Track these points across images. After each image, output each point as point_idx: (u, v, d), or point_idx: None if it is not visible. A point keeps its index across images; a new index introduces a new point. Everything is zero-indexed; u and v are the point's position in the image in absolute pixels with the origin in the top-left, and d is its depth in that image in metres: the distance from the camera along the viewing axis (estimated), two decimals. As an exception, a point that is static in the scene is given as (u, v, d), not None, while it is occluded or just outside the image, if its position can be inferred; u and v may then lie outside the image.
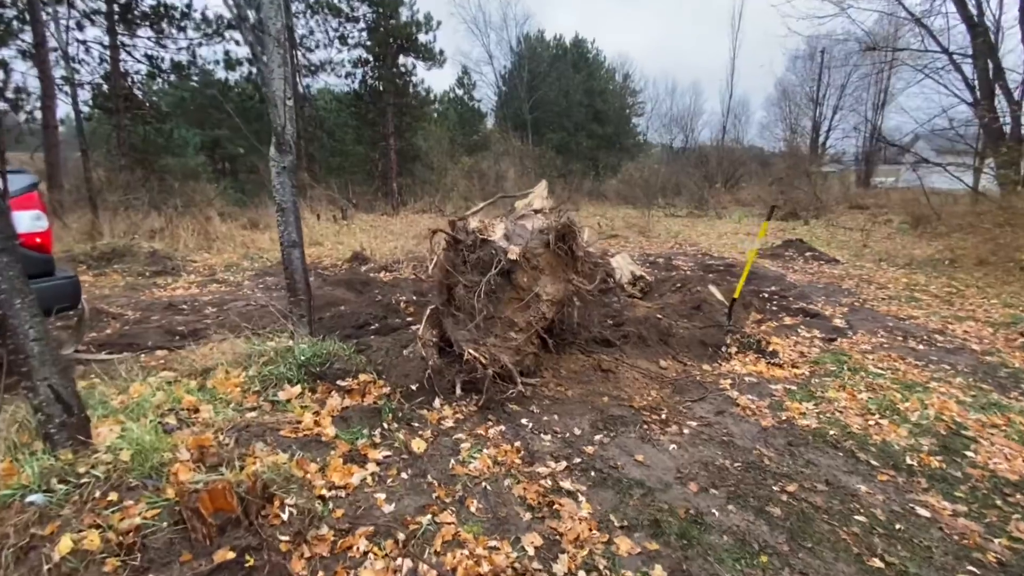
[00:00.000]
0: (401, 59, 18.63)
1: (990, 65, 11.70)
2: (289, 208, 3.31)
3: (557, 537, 2.09)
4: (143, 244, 8.29)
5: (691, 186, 20.81)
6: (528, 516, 2.22)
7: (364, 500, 2.20)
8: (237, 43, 15.70)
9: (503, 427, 2.91)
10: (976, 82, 12.21)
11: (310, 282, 3.57)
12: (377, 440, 2.61)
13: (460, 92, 24.56)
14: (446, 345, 3.51)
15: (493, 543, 2.03)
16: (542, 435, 2.88)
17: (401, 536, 2.01)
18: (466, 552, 1.96)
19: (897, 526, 2.23)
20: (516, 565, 1.92)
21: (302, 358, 3.01)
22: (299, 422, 2.60)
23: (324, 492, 2.18)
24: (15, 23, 11.65)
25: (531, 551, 2.00)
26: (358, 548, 1.94)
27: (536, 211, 4.01)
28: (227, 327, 4.54)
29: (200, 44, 14.62)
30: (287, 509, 2.00)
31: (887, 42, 16.52)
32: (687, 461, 2.68)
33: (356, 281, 5.74)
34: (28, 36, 11.36)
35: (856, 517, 2.28)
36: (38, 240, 3.19)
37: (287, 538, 1.89)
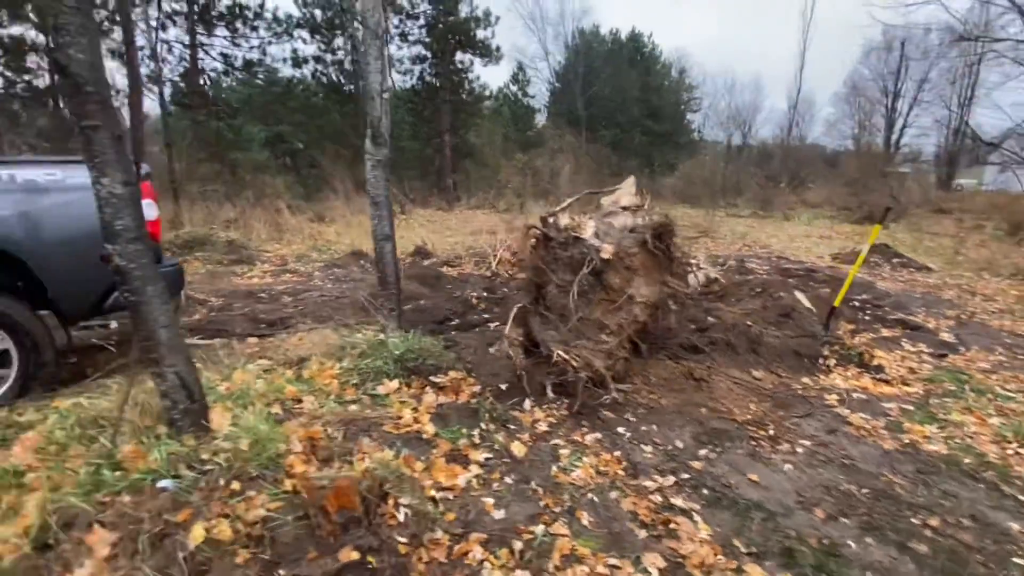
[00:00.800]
0: (459, 56, 18.76)
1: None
2: (383, 202, 3.31)
3: (680, 560, 1.94)
4: (220, 233, 8.69)
5: (753, 186, 19.92)
6: (643, 534, 2.08)
7: (472, 504, 2.13)
8: (304, 41, 16.25)
9: (599, 434, 2.79)
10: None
11: (400, 276, 3.57)
12: (476, 440, 2.54)
13: (515, 88, 24.51)
14: (532, 345, 3.42)
15: (613, 561, 1.91)
16: (642, 446, 2.73)
17: (517, 546, 1.93)
18: (586, 569, 1.86)
19: (1009, 547, 1.96)
20: (644, 589, 1.80)
21: (396, 352, 2.99)
22: (399, 418, 2.57)
23: (433, 493, 2.13)
24: (106, 23, 12.49)
25: (655, 573, 1.87)
26: (474, 556, 1.87)
27: (624, 208, 3.84)
28: (309, 317, 4.65)
29: (270, 43, 15.23)
30: (402, 509, 1.95)
31: (981, 31, 15.14)
32: (807, 484, 2.47)
33: (427, 276, 5.76)
34: (118, 35, 12.14)
35: (1015, 559, 2.02)
36: (150, 229, 3.31)
37: (405, 540, 1.85)
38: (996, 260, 8.47)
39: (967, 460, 2.71)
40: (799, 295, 5.43)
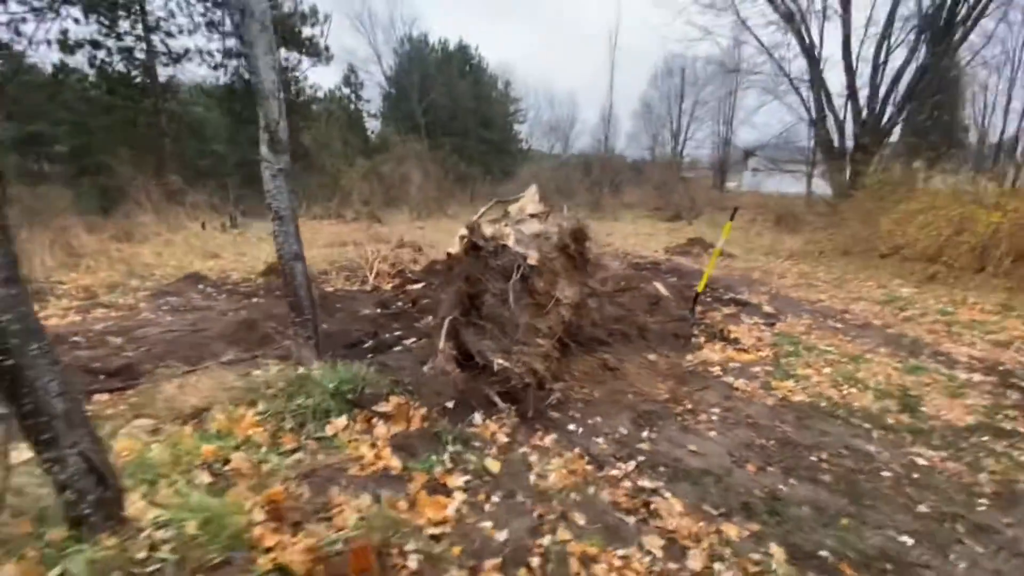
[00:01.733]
0: (284, 53, 17.12)
1: (823, 91, 14.22)
2: (288, 216, 2.90)
3: (673, 536, 2.12)
4: (-18, 264, 6.55)
5: (582, 191, 22.14)
6: (632, 520, 2.22)
7: (472, 531, 2.02)
8: (76, 21, 13.14)
9: (554, 435, 2.86)
10: (812, 104, 14.77)
11: (315, 299, 3.15)
12: (449, 466, 2.40)
13: (347, 91, 23.28)
14: (465, 357, 3.34)
15: (621, 552, 2.00)
16: (595, 439, 2.89)
17: (534, 562, 1.90)
18: (604, 566, 1.92)
19: (914, 475, 2.66)
20: (656, 569, 1.92)
21: (330, 385, 2.65)
22: (360, 458, 2.30)
23: (432, 531, 1.96)
24: None
25: (659, 554, 2.01)
26: (496, 584, 1.79)
27: (532, 215, 3.99)
28: (169, 359, 3.82)
29: (24, 20, 11.98)
30: (411, 557, 1.77)
31: (738, 66, 19.30)
32: (732, 445, 2.89)
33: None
34: None
35: (883, 473, 2.67)
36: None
37: (425, 589, 1.68)
38: (775, 246, 10.88)
39: (823, 404, 3.46)
40: (658, 285, 6.26)
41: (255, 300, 6.19)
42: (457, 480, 2.31)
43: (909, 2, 13.29)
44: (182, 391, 2.88)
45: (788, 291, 6.83)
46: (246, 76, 16.89)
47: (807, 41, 13.88)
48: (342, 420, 2.50)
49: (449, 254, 3.56)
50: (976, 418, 3.31)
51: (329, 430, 2.44)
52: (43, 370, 1.47)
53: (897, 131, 14.29)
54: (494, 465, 2.45)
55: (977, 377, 3.99)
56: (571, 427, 2.99)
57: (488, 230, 3.35)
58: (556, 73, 56.75)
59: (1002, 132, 19.51)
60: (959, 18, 11.91)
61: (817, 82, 14.26)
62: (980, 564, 2.05)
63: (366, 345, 3.84)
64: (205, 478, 2.02)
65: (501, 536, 2.02)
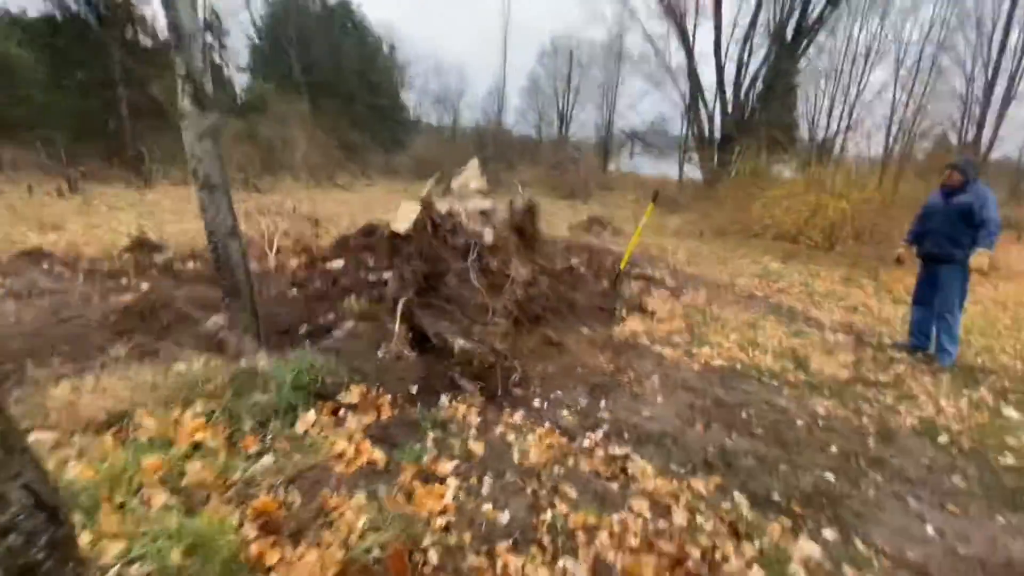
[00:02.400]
0: (128, -15, 14.30)
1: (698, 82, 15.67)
2: (219, 185, 2.48)
3: (654, 496, 2.29)
4: None
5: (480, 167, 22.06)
6: (615, 486, 2.35)
7: (475, 516, 1.99)
8: None
9: (522, 412, 2.89)
10: (687, 95, 16.23)
11: (253, 282, 2.73)
12: (435, 452, 2.31)
13: (208, 38, 20.15)
14: (419, 339, 3.20)
15: (617, 517, 2.12)
16: (560, 411, 2.98)
17: (545, 539, 1.93)
18: (606, 533, 2.01)
19: (819, 422, 3.16)
20: (652, 529, 2.07)
21: (288, 377, 2.37)
22: (341, 455, 2.11)
23: (439, 521, 1.89)
24: None
25: (649, 515, 2.17)
26: (514, 565, 1.79)
27: (478, 191, 3.89)
28: (34, 355, 3.12)
29: None
30: (429, 551, 1.69)
31: (621, 53, 20.48)
32: (677, 408, 3.18)
33: (205, 277, 4.46)
34: None
35: (798, 423, 3.14)
36: None
37: (454, 581, 1.63)
38: (661, 225, 11.91)
39: (738, 367, 3.94)
40: (575, 261, 6.54)
41: (125, 281, 5.24)
42: (446, 466, 2.23)
43: (770, 10, 15.11)
44: (81, 395, 2.37)
45: (683, 267, 7.57)
46: (73, 5, 13.87)
47: (685, 37, 15.13)
48: (311, 415, 2.26)
49: (395, 232, 3.34)
50: (849, 372, 4.02)
51: (299, 427, 2.19)
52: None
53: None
54: (478, 447, 2.41)
55: (841, 337, 4.84)
56: (536, 403, 3.04)
57: (443, 207, 3.20)
58: (443, 40, 54.94)
59: (826, 131, 23.27)
60: (805, 28, 13.86)
61: (692, 75, 15.67)
62: (882, 489, 2.53)
63: (301, 331, 3.47)
64: (163, 497, 1.71)
65: (504, 517, 2.02)
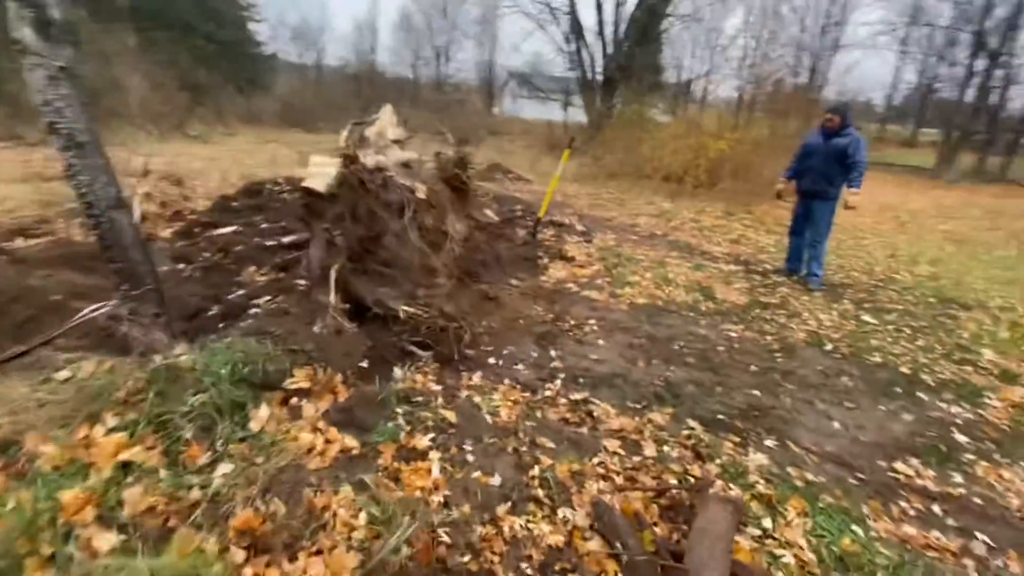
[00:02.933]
0: None
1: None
2: (89, 142, 1.95)
3: (622, 434, 2.43)
4: None
5: (355, 111, 20.31)
6: (586, 431, 2.45)
7: (468, 484, 1.94)
8: None
9: (480, 372, 2.85)
10: (569, 35, 16.23)
11: (155, 261, 2.23)
12: (408, 428, 2.19)
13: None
14: (357, 309, 2.95)
15: (596, 461, 2.22)
16: (515, 367, 2.98)
17: (538, 493, 1.96)
18: (593, 478, 2.10)
19: (735, 346, 3.56)
20: (631, 466, 2.21)
21: (223, 371, 2.04)
22: (311, 449, 1.90)
23: (436, 498, 1.81)
24: None
25: (623, 452, 2.30)
26: (518, 525, 1.81)
27: (395, 142, 3.55)
28: None
29: None
30: (438, 531, 1.63)
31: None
32: (619, 348, 3.36)
33: (74, 257, 3.57)
34: None
35: (719, 348, 3.50)
36: None
37: (471, 553, 1.60)
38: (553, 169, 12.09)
39: (659, 303, 4.24)
40: (488, 212, 6.43)
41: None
42: (423, 440, 2.13)
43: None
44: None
45: (587, 211, 7.83)
46: None
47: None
48: (263, 411, 1.98)
49: (310, 190, 2.95)
50: (747, 297, 4.55)
51: (254, 425, 1.91)
52: None
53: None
54: (450, 415, 2.33)
55: (733, 267, 5.43)
56: (491, 360, 3.00)
57: (370, 160, 2.87)
58: (295, -36, 47.99)
59: (689, 74, 24.94)
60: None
61: (573, 15, 15.65)
62: (796, 396, 2.95)
63: (211, 313, 2.98)
64: (109, 537, 1.41)
65: (495, 481, 2.00)
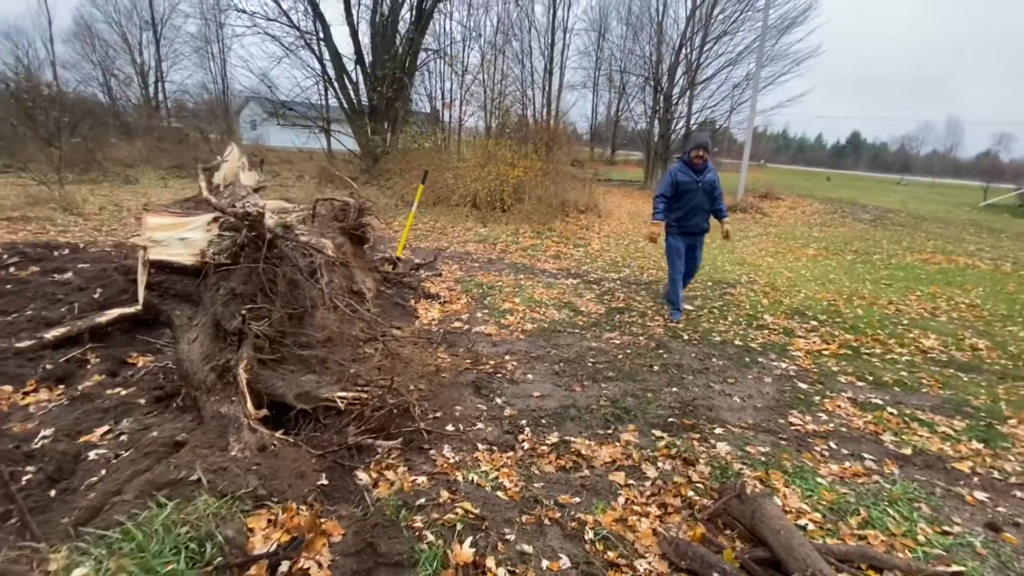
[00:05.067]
0: None
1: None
2: None
3: (618, 465, 2.48)
4: None
5: (35, 143, 15.14)
6: (586, 471, 2.41)
7: (548, 581, 1.70)
8: None
9: (448, 445, 2.51)
10: (330, 62, 15.46)
11: None
12: (438, 541, 1.77)
13: None
14: (271, 410, 2.25)
15: (623, 499, 2.21)
16: (475, 427, 2.73)
17: (611, 556, 1.85)
18: (636, 516, 2.09)
19: (627, 351, 3.97)
20: (650, 492, 2.26)
21: (177, 566, 1.30)
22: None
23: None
24: None
25: (634, 481, 2.34)
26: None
27: (255, 190, 2.84)
28: None
29: None
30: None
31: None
32: (549, 378, 3.39)
33: None
34: None
35: (618, 356, 3.85)
36: None
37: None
38: (348, 202, 11.34)
39: (545, 325, 4.42)
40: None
41: None
42: (466, 549, 1.77)
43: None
44: None
45: (414, 242, 7.60)
46: None
47: (313, 1, 14.23)
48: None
49: (167, 263, 2.13)
50: (602, 306, 5.12)
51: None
52: None
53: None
54: (468, 506, 1.99)
55: (572, 281, 6.03)
56: (448, 427, 2.67)
57: (270, 219, 2.22)
58: None
59: (442, 105, 26.50)
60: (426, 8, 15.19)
61: (330, 44, 15.03)
62: (698, 384, 3.47)
63: (25, 482, 1.80)
64: None
65: (565, 563, 1.81)
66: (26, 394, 2.76)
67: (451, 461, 2.37)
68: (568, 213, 9.96)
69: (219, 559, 1.40)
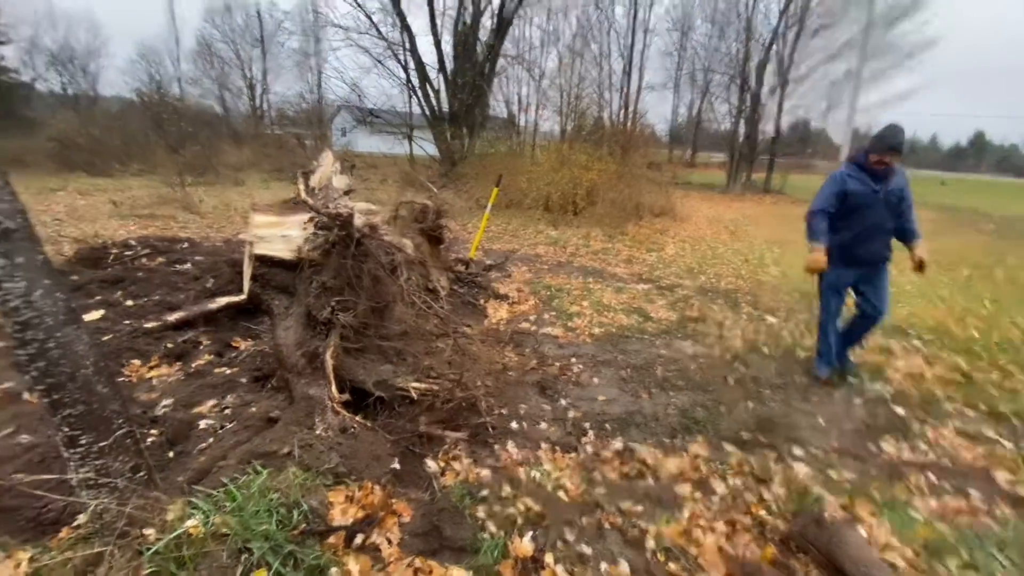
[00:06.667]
0: None
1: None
2: (18, 228, 1.27)
3: (687, 476, 2.41)
4: None
5: (162, 150, 17.27)
6: (651, 481, 2.37)
7: (606, 584, 1.70)
8: None
9: (511, 442, 2.57)
10: (413, 71, 16.25)
11: (123, 395, 1.46)
12: (502, 534, 1.84)
13: None
14: (352, 395, 2.43)
15: (688, 513, 2.15)
16: (538, 426, 2.77)
17: (672, 568, 1.81)
18: (703, 531, 2.02)
19: (700, 361, 3.83)
20: (718, 508, 2.18)
21: (269, 526, 1.47)
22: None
23: None
24: None
25: (701, 495, 2.27)
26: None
27: (347, 193, 3.08)
28: None
29: None
30: None
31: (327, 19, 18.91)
32: (614, 383, 3.36)
33: None
34: None
35: (691, 366, 3.72)
36: None
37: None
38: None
39: (613, 330, 4.37)
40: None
41: None
42: (526, 543, 1.82)
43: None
44: None
45: (486, 244, 7.80)
46: None
47: (401, 13, 15.01)
48: (352, 564, 1.47)
49: (269, 258, 2.37)
50: (674, 313, 4.97)
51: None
52: None
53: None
54: (530, 502, 2.04)
55: (644, 286, 5.89)
56: (513, 425, 2.73)
57: (359, 219, 2.41)
58: (45, -22, 39.41)
59: (519, 110, 26.86)
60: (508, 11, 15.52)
61: (415, 52, 15.77)
62: (777, 400, 3.27)
63: (149, 442, 2.13)
64: None
65: (624, 569, 1.80)
66: (151, 368, 3.18)
67: (515, 457, 2.43)
68: (642, 217, 9.73)
69: (304, 525, 1.55)
